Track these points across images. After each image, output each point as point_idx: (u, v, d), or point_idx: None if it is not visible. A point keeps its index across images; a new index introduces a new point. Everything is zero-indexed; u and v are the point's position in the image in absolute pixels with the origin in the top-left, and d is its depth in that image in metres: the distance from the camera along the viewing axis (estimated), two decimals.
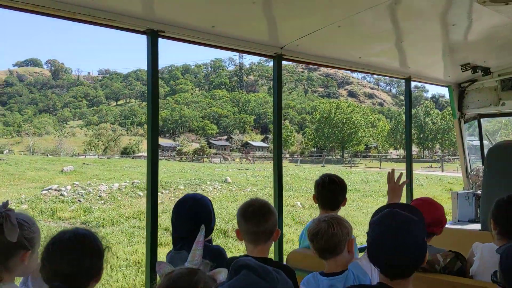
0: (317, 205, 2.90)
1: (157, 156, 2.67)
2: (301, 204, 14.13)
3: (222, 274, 1.38)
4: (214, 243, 2.42)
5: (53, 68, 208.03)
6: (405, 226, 1.73)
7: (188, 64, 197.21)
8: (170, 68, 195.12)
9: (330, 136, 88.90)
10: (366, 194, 17.49)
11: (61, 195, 13.88)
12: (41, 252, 1.65)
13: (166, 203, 13.67)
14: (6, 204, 1.71)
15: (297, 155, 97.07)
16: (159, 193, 14.50)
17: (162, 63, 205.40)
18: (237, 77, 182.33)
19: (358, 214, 12.08)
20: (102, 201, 13.40)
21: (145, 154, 63.77)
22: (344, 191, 2.84)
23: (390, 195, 2.74)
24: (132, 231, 10.40)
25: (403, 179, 2.88)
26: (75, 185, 15.47)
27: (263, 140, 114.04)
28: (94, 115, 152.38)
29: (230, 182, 18.77)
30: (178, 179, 18.47)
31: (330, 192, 2.81)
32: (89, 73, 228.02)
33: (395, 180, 2.75)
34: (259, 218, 2.11)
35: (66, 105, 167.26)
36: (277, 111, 3.44)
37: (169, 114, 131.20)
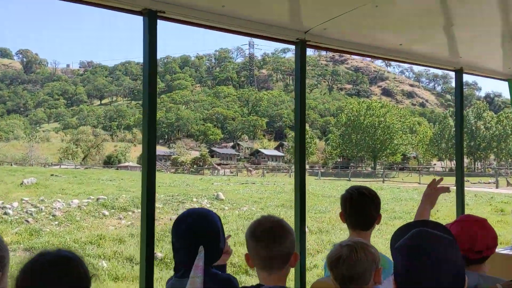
0: (344, 225, 2.90)
1: (154, 165, 2.69)
2: (308, 227, 14.06)
3: None
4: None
5: (25, 59, 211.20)
6: (442, 249, 1.73)
7: (187, 55, 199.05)
8: (165, 60, 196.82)
9: (359, 144, 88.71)
10: (394, 216, 17.30)
11: (5, 213, 13.47)
12: (13, 278, 1.60)
13: (137, 225, 13.42)
14: None
15: (319, 167, 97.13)
16: (129, 212, 14.68)
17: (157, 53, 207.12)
18: (247, 71, 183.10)
19: (378, 241, 11.90)
20: (56, 222, 13.13)
21: (132, 164, 64.42)
22: (378, 206, 2.84)
23: (422, 200, 2.86)
24: (85, 261, 10.33)
25: (443, 189, 2.94)
26: (23, 201, 15.22)
27: (277, 148, 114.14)
28: (73, 116, 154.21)
29: (223, 199, 18.78)
30: (158, 194, 18.57)
31: (361, 207, 2.79)
32: (68, 65, 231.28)
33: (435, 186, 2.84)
34: (271, 239, 2.11)
35: (40, 104, 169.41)
36: (299, 110, 3.42)
37: (164, 115, 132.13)
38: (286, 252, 2.13)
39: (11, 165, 70.34)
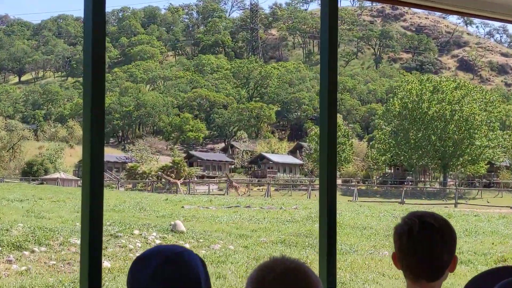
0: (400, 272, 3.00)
1: (101, 176, 2.81)
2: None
3: None
4: None
5: None
6: None
7: (154, 7, 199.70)
8: (121, 15, 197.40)
9: (420, 146, 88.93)
10: (460, 258, 17.41)
11: None
12: None
13: (35, 270, 13.54)
14: None
15: (358, 181, 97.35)
16: (24, 252, 14.54)
17: (107, 4, 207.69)
18: (247, 32, 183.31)
19: None
20: None
21: (64, 175, 64.98)
22: (452, 243, 2.93)
23: None
24: None
25: None
26: None
27: (292, 152, 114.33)
28: None
29: (183, 232, 19.14)
30: (79, 224, 18.57)
31: (426, 246, 2.87)
32: None
33: None
34: None
35: None
36: (327, 94, 3.51)
37: (117, 100, 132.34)
38: None
39: None
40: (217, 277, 13.27)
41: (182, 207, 34.15)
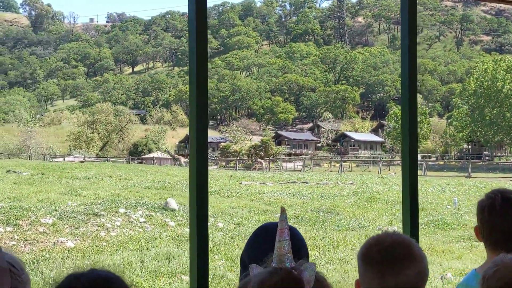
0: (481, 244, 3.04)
1: (206, 156, 2.91)
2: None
3: (309, 268, 1.71)
4: None
5: (33, 13, 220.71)
6: None
7: (251, 1, 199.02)
8: (221, 9, 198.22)
9: (495, 122, 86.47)
10: None
11: None
12: None
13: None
14: None
15: (438, 156, 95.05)
16: None
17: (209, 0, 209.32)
18: (335, 20, 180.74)
19: None
20: None
21: (161, 154, 65.56)
22: None
23: None
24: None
25: None
26: None
27: (375, 131, 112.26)
28: (96, 89, 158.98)
29: (175, 210, 18.05)
30: (71, 202, 17.92)
31: (506, 220, 2.91)
32: (91, 20, 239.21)
33: None
34: (390, 265, 2.19)
35: (52, 73, 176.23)
36: (408, 75, 3.58)
37: (215, 86, 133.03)
38: (415, 284, 2.20)
39: None
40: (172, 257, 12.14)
41: (240, 183, 33.35)
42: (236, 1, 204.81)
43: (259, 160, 79.73)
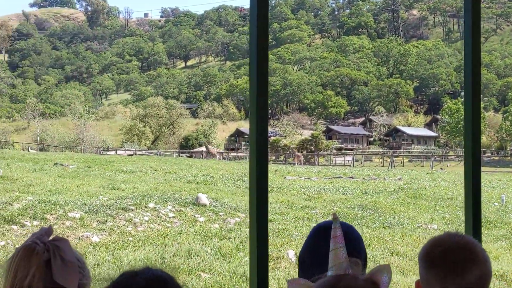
0: None
1: (266, 150, 2.95)
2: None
3: (385, 274, 1.67)
4: None
5: (89, 8, 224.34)
6: None
7: None
8: (272, 3, 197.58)
9: None
10: None
11: None
12: None
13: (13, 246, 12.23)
14: (49, 230, 1.94)
15: (493, 151, 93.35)
16: (12, 226, 13.36)
17: None
18: (389, 13, 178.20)
19: None
20: None
21: (211, 148, 65.30)
22: None
23: None
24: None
25: None
26: None
27: (428, 125, 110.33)
28: (149, 83, 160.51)
29: (205, 205, 17.77)
30: (102, 196, 17.66)
31: None
32: (146, 15, 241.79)
33: None
34: (451, 268, 2.15)
35: (107, 68, 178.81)
36: (471, 70, 3.58)
37: None
38: (478, 286, 2.17)
39: (41, 150, 75.08)
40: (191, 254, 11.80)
41: (284, 177, 32.94)
42: None
43: (297, 153, 78.96)
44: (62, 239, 1.91)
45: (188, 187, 22.76)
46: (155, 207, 16.61)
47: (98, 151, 78.29)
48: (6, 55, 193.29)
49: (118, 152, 72.29)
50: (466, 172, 3.51)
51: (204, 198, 17.88)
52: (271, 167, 40.67)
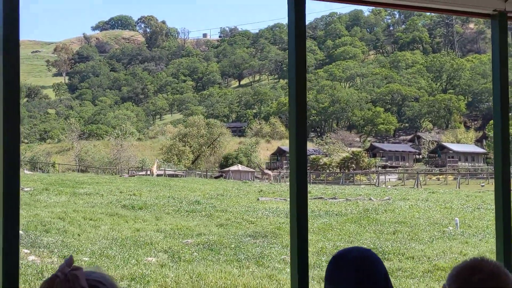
0: None
1: (305, 169, 3.14)
2: None
3: None
4: None
5: (148, 30, 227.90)
6: None
7: (359, 10, 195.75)
8: (328, 19, 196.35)
9: None
10: None
11: None
12: None
13: None
14: (70, 261, 2.05)
15: None
16: None
17: (313, 8, 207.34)
18: (444, 28, 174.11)
19: None
20: None
21: (242, 168, 64.04)
22: None
23: None
24: None
25: None
26: None
27: (479, 141, 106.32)
28: (202, 103, 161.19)
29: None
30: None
31: None
32: (205, 35, 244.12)
33: None
34: None
35: (162, 88, 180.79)
36: (499, 95, 3.82)
37: (313, 98, 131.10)
38: None
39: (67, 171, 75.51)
40: None
41: (258, 199, 31.57)
42: (343, 11, 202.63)
43: (266, 171, 76.30)
44: (78, 268, 2.04)
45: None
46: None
47: (129, 172, 78.28)
48: (67, 78, 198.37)
49: (157, 171, 71.23)
50: (497, 197, 3.59)
51: None
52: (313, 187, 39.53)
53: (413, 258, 14.99)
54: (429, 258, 15.05)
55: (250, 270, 13.41)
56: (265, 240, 17.52)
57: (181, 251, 15.78)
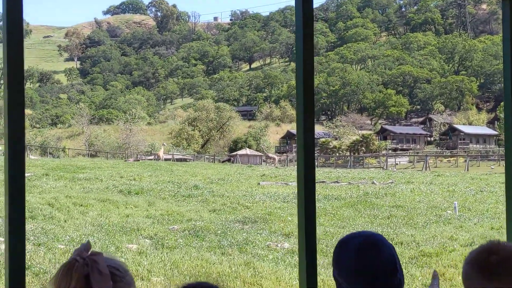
0: None
1: (312, 154, 3.03)
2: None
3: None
4: None
5: (159, 13, 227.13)
6: None
7: None
8: (339, 1, 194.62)
9: None
10: None
11: None
12: None
13: None
14: (88, 246, 2.09)
15: None
16: None
17: None
18: (457, 9, 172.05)
19: None
20: None
21: (250, 152, 63.78)
22: None
23: None
24: None
25: None
26: None
27: (490, 123, 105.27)
28: (212, 87, 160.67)
29: None
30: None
31: None
32: (215, 18, 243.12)
33: None
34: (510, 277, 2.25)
35: (173, 72, 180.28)
36: (510, 76, 3.82)
37: (324, 80, 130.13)
38: None
39: (84, 155, 75.60)
40: None
41: (258, 183, 31.16)
42: None
43: (270, 155, 75.55)
44: (98, 253, 2.06)
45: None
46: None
47: (138, 156, 78.09)
48: (78, 62, 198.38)
49: (164, 156, 71.05)
50: (508, 177, 3.55)
51: None
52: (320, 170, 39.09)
53: (401, 244, 14.56)
54: (418, 243, 14.62)
55: (231, 257, 13.05)
56: (254, 226, 17.15)
57: (166, 238, 15.45)
